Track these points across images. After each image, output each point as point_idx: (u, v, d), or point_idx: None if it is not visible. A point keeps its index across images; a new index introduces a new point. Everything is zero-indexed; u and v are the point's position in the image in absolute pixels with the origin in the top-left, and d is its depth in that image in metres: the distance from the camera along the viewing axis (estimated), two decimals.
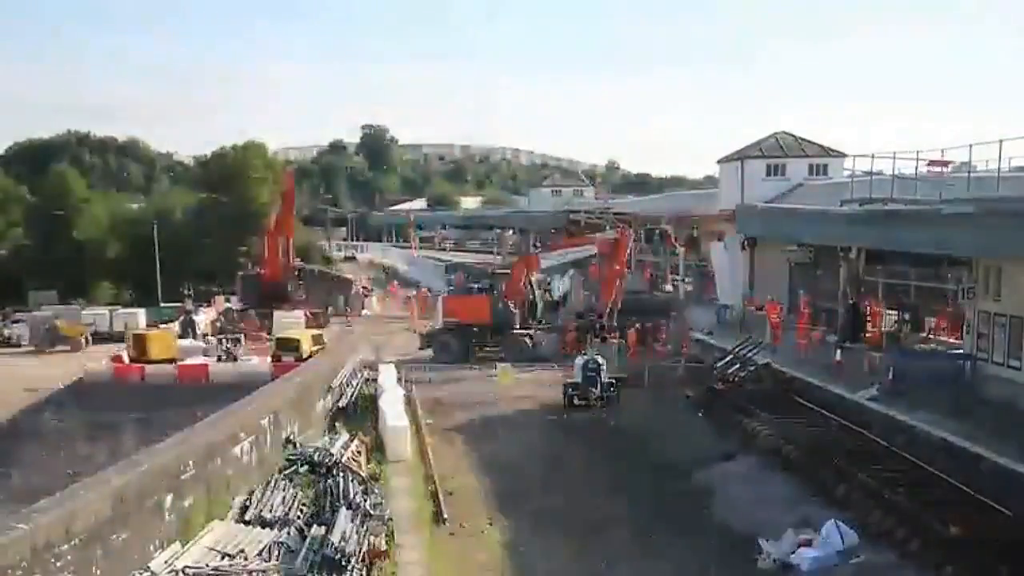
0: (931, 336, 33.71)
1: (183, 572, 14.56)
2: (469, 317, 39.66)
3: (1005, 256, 24.68)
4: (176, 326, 48.36)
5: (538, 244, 69.59)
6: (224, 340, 43.21)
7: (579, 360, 31.02)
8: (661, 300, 49.72)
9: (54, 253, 74.75)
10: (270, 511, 17.97)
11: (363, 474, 21.30)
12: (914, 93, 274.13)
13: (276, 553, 15.80)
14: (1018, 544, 15.61)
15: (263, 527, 17.04)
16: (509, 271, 44.20)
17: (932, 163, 28.05)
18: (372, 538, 16.74)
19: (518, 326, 39.67)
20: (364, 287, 64.20)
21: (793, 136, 45.97)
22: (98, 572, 13.52)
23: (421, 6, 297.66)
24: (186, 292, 57.96)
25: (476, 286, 44.65)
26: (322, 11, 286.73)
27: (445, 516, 19.19)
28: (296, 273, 55.44)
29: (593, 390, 29.68)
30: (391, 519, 18.50)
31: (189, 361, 40.27)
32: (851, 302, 35.18)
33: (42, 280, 68.28)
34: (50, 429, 33.06)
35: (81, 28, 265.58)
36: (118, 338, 46.48)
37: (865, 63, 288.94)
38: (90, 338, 48.86)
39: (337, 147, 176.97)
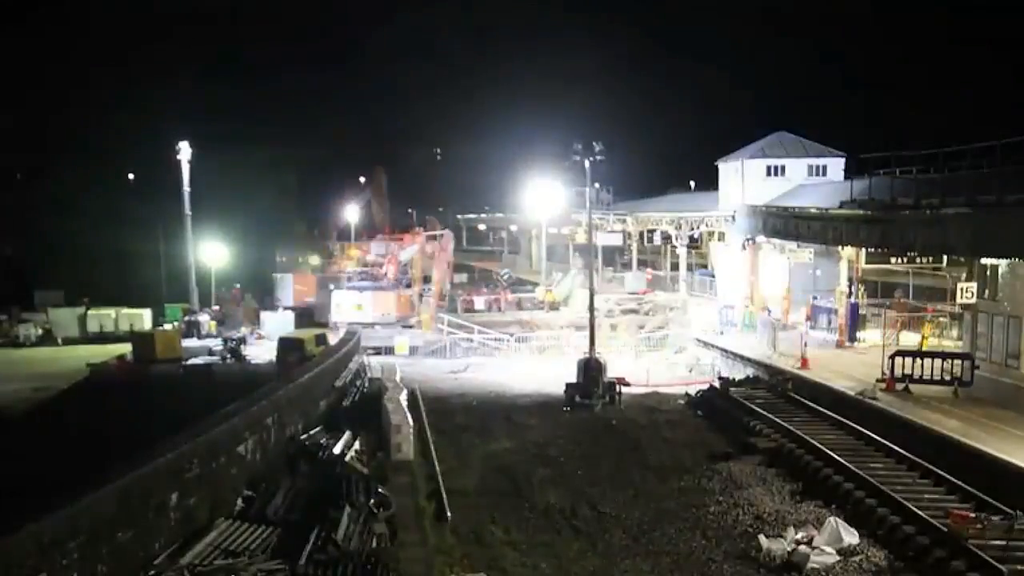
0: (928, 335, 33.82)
1: (187, 570, 14.70)
2: None
3: (1004, 256, 24.79)
4: (181, 325, 48.51)
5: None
6: (228, 340, 43.33)
7: (580, 360, 31.09)
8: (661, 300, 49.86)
9: (59, 253, 74.95)
10: (273, 509, 18.11)
11: (366, 472, 21.39)
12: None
13: (280, 551, 15.93)
14: (1019, 542, 15.74)
15: (267, 525, 17.17)
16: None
17: None
18: (375, 537, 16.85)
19: None
20: None
21: (793, 136, 46.04)
22: (104, 570, 13.67)
23: None
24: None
25: None
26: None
27: (448, 514, 19.28)
28: None
29: (595, 389, 29.79)
30: (394, 517, 18.59)
31: (194, 361, 40.44)
32: (851, 302, 35.33)
33: (48, 280, 68.38)
34: (56, 427, 33.18)
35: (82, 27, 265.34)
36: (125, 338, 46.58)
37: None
38: None
39: None
